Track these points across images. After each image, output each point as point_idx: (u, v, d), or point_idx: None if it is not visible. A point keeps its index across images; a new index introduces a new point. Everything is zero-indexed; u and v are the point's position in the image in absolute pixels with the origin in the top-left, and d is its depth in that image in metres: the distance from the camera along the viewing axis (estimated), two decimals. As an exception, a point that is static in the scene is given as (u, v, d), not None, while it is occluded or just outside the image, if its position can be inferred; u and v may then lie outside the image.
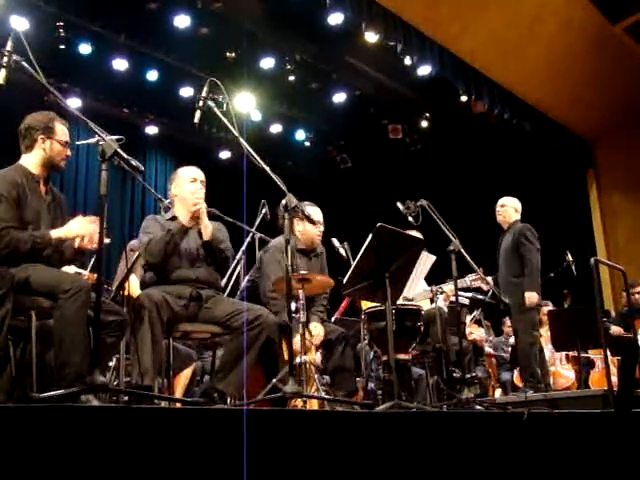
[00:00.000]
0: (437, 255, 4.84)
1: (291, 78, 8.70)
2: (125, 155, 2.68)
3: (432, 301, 4.99)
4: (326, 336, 4.41)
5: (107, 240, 2.78)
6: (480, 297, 6.21)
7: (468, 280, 5.11)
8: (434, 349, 4.90)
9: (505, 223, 6.16)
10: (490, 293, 6.10)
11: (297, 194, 3.27)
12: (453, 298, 4.53)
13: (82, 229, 3.21)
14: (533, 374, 5.69)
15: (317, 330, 4.36)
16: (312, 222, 4.06)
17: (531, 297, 5.72)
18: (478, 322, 8.12)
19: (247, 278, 4.66)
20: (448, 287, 4.96)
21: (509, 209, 6.15)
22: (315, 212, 4.54)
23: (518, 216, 6.16)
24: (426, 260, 4.81)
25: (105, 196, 2.65)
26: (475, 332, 7.73)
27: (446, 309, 5.14)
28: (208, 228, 3.87)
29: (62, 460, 1.68)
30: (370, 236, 3.68)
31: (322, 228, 4.72)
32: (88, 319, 2.93)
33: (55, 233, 3.21)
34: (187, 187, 3.92)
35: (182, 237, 3.81)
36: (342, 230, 5.72)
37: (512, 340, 7.47)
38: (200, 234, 3.89)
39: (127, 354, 3.64)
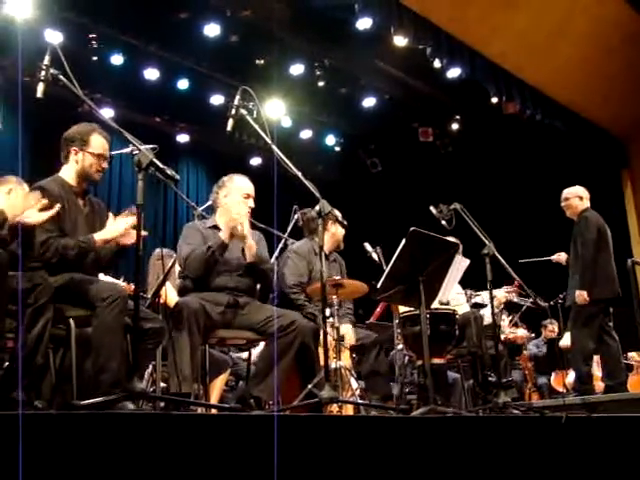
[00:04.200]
0: (471, 259, 4.80)
1: (320, 84, 8.69)
2: (161, 164, 2.70)
3: (480, 306, 4.94)
4: (359, 341, 4.43)
5: (144, 233, 2.78)
6: (516, 300, 6.13)
7: (503, 291, 5.02)
8: (469, 353, 4.88)
9: (574, 215, 5.86)
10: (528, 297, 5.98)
11: (328, 199, 3.28)
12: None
13: (123, 225, 3.23)
14: (581, 377, 5.54)
15: (348, 331, 4.39)
16: (343, 226, 4.08)
17: (580, 295, 5.48)
18: (515, 325, 8.03)
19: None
20: (501, 293, 4.86)
21: (572, 200, 5.87)
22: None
23: (586, 204, 5.84)
24: (460, 263, 4.76)
25: (142, 206, 2.67)
26: (516, 331, 7.65)
27: (484, 313, 5.07)
28: (252, 249, 3.89)
29: (102, 467, 1.70)
30: (404, 240, 3.67)
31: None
32: (126, 327, 2.97)
33: (99, 236, 3.24)
34: (237, 200, 3.95)
35: (222, 253, 3.83)
36: (374, 234, 5.71)
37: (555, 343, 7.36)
38: (242, 248, 3.92)
39: (163, 361, 3.67)
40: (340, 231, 4.75)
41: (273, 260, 4.66)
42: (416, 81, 8.80)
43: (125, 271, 4.99)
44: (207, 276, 3.83)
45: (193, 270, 3.79)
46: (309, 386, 3.58)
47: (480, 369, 4.77)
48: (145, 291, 4.32)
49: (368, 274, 4.33)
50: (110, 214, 3.38)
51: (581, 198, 5.85)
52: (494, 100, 8.41)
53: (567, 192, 5.96)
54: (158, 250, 4.76)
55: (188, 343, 3.46)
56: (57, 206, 2.97)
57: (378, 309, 5.73)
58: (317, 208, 3.24)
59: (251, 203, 3.98)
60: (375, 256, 5.00)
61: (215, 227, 3.97)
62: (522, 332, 7.75)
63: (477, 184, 9.62)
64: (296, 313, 3.89)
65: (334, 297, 4.06)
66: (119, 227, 3.23)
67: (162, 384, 3.81)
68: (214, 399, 4.40)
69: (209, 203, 4.24)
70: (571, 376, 6.81)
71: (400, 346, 4.51)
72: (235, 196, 3.98)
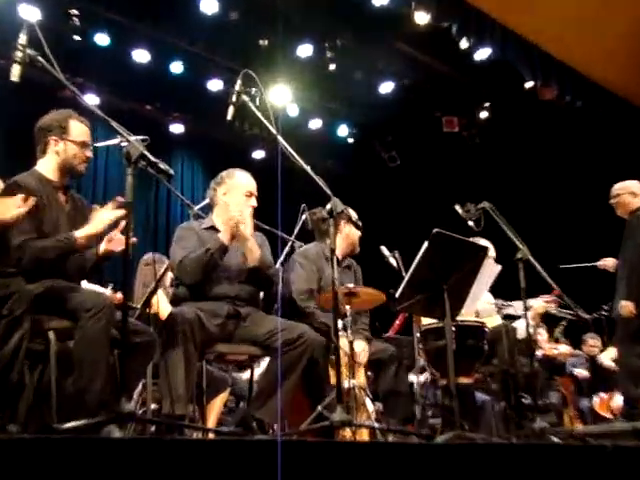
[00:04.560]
0: (503, 265, 4.78)
1: (332, 67, 8.65)
2: (152, 157, 2.69)
3: (513, 318, 4.91)
4: (375, 355, 4.41)
5: (133, 239, 2.79)
6: (554, 312, 6.10)
7: (540, 301, 5.01)
8: (501, 371, 4.86)
9: (626, 214, 5.73)
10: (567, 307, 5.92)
11: (340, 197, 3.29)
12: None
13: (108, 217, 3.19)
14: (629, 401, 5.50)
15: (361, 347, 4.36)
16: (358, 227, 4.08)
17: (626, 306, 5.39)
18: (556, 341, 7.97)
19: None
20: (538, 303, 4.84)
21: (624, 196, 5.73)
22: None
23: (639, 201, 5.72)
24: (490, 270, 4.73)
25: (131, 204, 2.68)
26: (557, 347, 7.58)
27: (518, 326, 5.05)
28: (255, 253, 3.90)
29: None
30: (426, 244, 3.69)
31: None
32: (112, 340, 2.96)
33: (81, 232, 3.20)
34: (239, 199, 3.96)
35: (222, 257, 3.83)
36: (392, 236, 5.69)
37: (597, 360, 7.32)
38: (243, 252, 3.93)
39: (155, 379, 3.68)
40: (354, 233, 4.74)
41: (278, 265, 4.65)
42: (439, 64, 8.79)
43: (111, 278, 4.94)
44: (204, 283, 3.82)
45: (188, 276, 3.78)
46: (319, 408, 3.55)
47: (513, 390, 4.74)
48: (134, 300, 4.33)
49: (386, 281, 4.33)
50: (95, 206, 3.36)
51: (634, 194, 5.72)
52: (528, 85, 8.40)
53: (618, 187, 5.82)
54: (148, 255, 4.79)
55: (182, 359, 3.43)
56: (32, 199, 2.90)
57: (397, 321, 5.74)
58: (328, 207, 3.25)
59: (253, 202, 3.99)
60: (393, 261, 4.97)
61: (212, 228, 3.97)
62: (564, 348, 7.66)
63: (508, 180, 9.54)
64: (304, 325, 3.87)
65: (347, 307, 4.04)
66: (104, 219, 3.19)
67: (153, 405, 3.83)
68: (212, 422, 4.40)
69: (206, 201, 4.25)
70: (618, 399, 6.78)
71: (422, 363, 4.52)
72: (235, 194, 4.00)
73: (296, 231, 4.98)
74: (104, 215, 3.20)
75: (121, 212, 3.13)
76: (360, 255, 4.97)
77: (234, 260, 3.94)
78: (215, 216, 4.05)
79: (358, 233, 4.71)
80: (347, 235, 4.76)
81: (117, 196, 3.16)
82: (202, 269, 3.76)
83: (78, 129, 3.41)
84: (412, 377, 4.79)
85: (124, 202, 2.74)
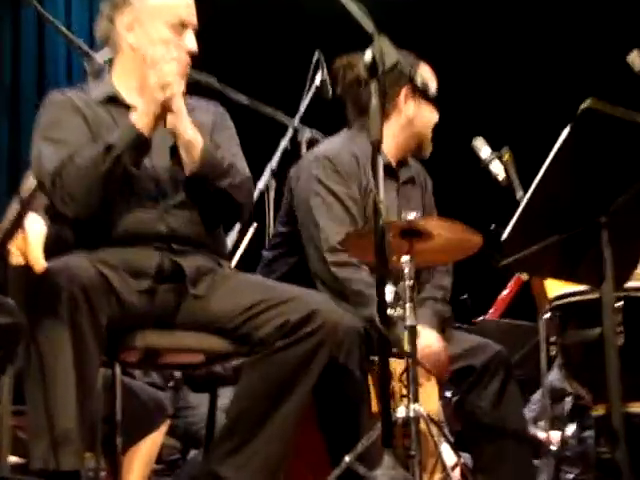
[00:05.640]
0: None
1: None
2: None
3: None
4: (459, 358, 3.97)
5: None
6: None
7: None
8: None
9: None
10: None
11: (394, 37, 2.96)
12: None
13: None
14: None
15: (431, 341, 3.88)
16: (430, 100, 3.89)
17: None
18: None
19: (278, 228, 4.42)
20: None
21: None
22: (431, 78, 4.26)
23: None
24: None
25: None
26: None
27: None
28: (195, 145, 3.41)
29: None
30: (565, 133, 2.99)
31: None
32: None
33: None
34: (161, 35, 3.46)
35: (139, 160, 3.37)
36: (496, 123, 5.44)
37: None
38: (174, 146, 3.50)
39: (17, 403, 3.27)
40: (426, 113, 4.20)
41: (267, 177, 4.48)
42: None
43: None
44: (107, 212, 3.36)
45: (73, 202, 3.29)
46: (346, 458, 3.13)
47: None
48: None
49: (482, 212, 4.15)
50: None
51: None
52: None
53: None
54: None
55: (71, 359, 3.00)
56: None
57: (505, 292, 5.52)
58: (368, 56, 2.92)
59: (190, 41, 3.49)
60: (497, 168, 4.36)
61: (114, 101, 3.48)
62: None
63: None
64: (320, 295, 3.51)
65: (406, 260, 3.43)
66: None
67: (13, 458, 3.42)
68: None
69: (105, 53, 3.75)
70: None
71: (554, 372, 4.20)
72: (155, 27, 3.46)
73: (304, 106, 4.63)
74: None
75: None
76: (434, 161, 4.51)
77: (161, 161, 3.48)
78: (116, 76, 3.53)
79: (433, 116, 4.22)
80: (410, 120, 4.19)
81: None
82: (100, 187, 3.28)
83: None
84: (535, 402, 4.56)
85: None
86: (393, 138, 4.20)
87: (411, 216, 3.46)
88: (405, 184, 4.32)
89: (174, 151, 3.46)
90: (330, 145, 4.34)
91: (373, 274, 3.64)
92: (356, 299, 3.82)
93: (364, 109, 3.99)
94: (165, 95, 3.25)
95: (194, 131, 3.41)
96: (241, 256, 4.67)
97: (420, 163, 4.48)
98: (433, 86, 3.97)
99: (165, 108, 3.30)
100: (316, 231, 4.01)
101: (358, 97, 4.19)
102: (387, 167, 3.98)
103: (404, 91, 4.09)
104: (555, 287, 4.13)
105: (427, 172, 4.54)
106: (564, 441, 4.24)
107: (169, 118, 3.35)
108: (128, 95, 3.50)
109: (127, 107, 3.45)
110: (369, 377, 3.62)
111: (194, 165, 3.39)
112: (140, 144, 3.31)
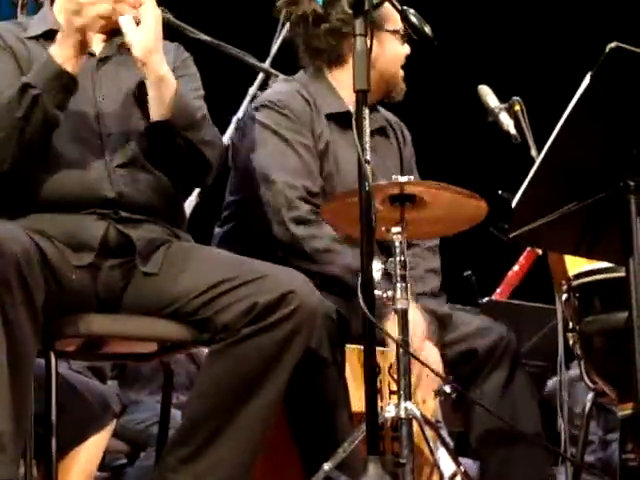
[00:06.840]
0: None
1: None
2: None
3: None
4: (458, 343, 3.81)
5: None
6: None
7: None
8: None
9: None
10: None
11: None
12: None
13: None
14: None
15: (416, 324, 3.65)
16: (394, 32, 3.81)
17: None
18: None
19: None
20: None
21: None
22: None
23: None
24: None
25: None
26: None
27: None
28: (168, 84, 3.15)
29: None
30: (587, 79, 2.80)
31: None
32: None
33: None
34: None
35: (63, 98, 3.11)
36: (496, 67, 5.62)
37: None
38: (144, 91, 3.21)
39: None
40: (391, 49, 4.02)
41: (231, 133, 4.24)
42: None
43: None
44: (35, 170, 3.14)
45: None
46: (325, 467, 3.00)
47: None
48: None
49: (488, 175, 3.95)
50: None
51: None
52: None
53: None
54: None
55: (4, 350, 2.78)
56: None
57: (516, 268, 5.55)
58: None
59: None
60: (506, 121, 4.15)
61: (53, 35, 3.17)
62: None
63: None
64: (293, 273, 3.22)
65: (396, 232, 3.25)
66: None
67: None
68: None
69: None
70: None
71: (574, 369, 4.10)
72: None
73: (275, 48, 4.49)
74: None
75: None
76: (431, 116, 4.64)
77: (110, 109, 3.25)
78: (58, 9, 3.28)
79: (402, 49, 4.08)
80: (384, 59, 4.01)
81: None
82: (16, 135, 3.08)
83: None
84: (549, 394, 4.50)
85: None
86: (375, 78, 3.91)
87: (403, 178, 3.27)
88: (372, 135, 3.90)
89: (129, 92, 3.26)
90: (277, 89, 4.21)
91: (355, 247, 3.37)
92: (323, 257, 3.68)
93: (317, 51, 4.00)
94: (83, 19, 2.97)
95: (164, 69, 3.12)
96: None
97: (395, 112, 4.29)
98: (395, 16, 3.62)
99: (85, 35, 3.02)
100: (268, 188, 3.83)
101: (309, 37, 4.03)
102: (346, 115, 3.89)
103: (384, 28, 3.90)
104: (577, 263, 3.94)
105: (414, 126, 4.32)
106: (584, 445, 4.04)
107: (139, 45, 3.02)
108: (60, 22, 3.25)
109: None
110: (347, 370, 3.45)
111: (164, 109, 3.13)
112: (62, 81, 3.06)
